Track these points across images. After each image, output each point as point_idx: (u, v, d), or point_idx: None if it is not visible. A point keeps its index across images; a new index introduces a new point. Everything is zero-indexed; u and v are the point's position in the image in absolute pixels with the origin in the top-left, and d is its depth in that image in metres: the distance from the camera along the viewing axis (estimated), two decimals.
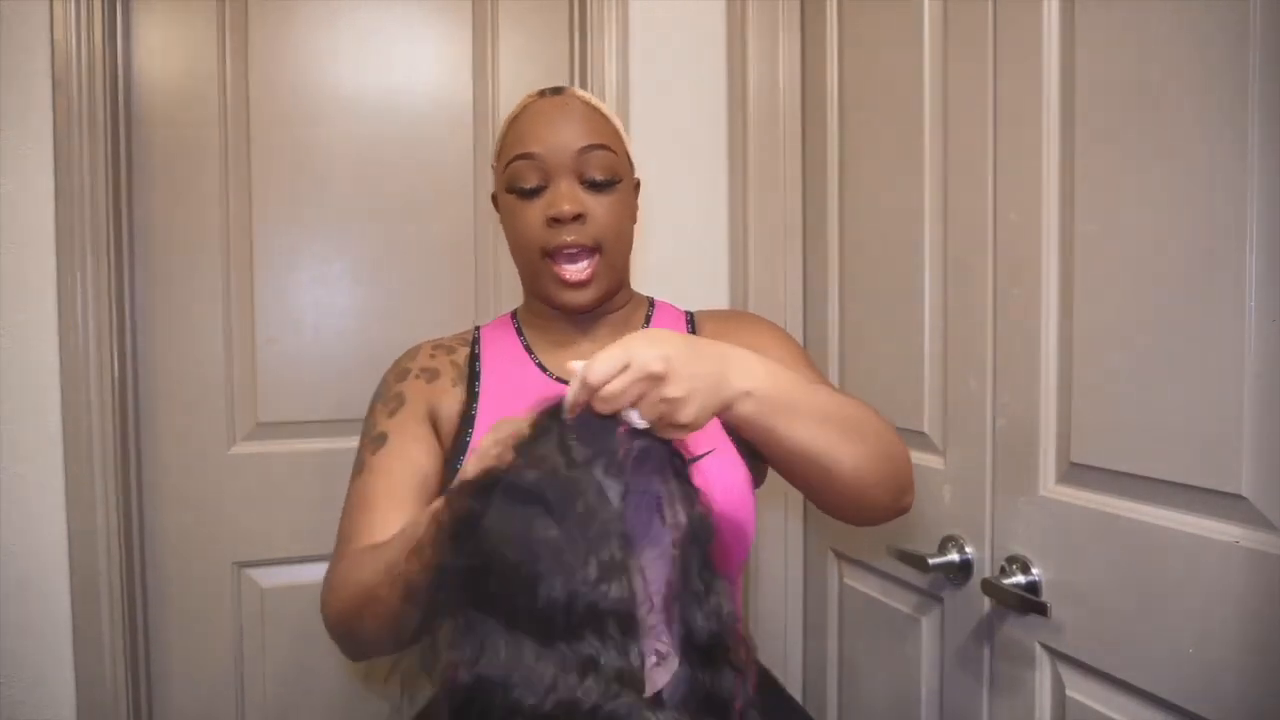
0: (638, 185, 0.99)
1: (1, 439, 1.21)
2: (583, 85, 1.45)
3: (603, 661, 0.58)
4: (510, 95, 1.46)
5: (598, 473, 0.61)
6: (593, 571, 0.58)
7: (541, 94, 0.93)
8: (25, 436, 1.22)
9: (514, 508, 0.59)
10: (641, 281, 1.47)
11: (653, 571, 0.64)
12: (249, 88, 1.36)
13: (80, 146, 1.21)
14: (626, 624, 0.59)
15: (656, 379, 0.63)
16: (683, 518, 0.65)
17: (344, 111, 1.40)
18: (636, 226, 0.97)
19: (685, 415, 0.65)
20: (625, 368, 0.62)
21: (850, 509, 0.81)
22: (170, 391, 1.35)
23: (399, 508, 0.85)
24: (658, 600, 0.63)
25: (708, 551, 0.66)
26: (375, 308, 1.43)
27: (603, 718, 0.57)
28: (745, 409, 0.69)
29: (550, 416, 0.63)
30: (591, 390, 0.63)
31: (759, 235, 1.48)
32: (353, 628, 0.79)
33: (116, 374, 1.26)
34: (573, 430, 0.62)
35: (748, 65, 1.46)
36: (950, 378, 1.12)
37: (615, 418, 0.64)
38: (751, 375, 0.69)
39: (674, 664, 0.64)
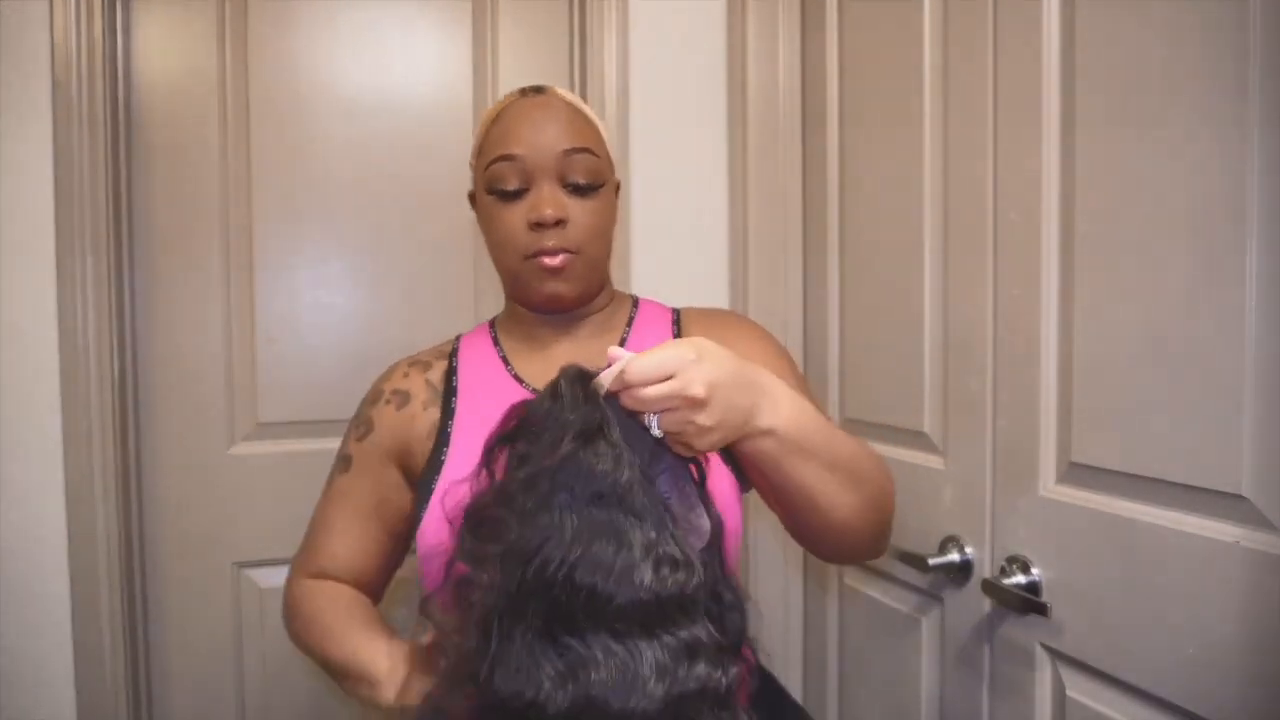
0: (618, 186, 0.97)
1: (1, 439, 1.21)
2: (583, 85, 1.45)
3: (705, 639, 0.58)
4: None
5: (642, 462, 0.62)
6: (669, 553, 0.59)
7: (523, 93, 0.91)
8: (25, 436, 1.22)
9: (590, 509, 0.59)
10: (641, 282, 1.47)
11: None
12: (249, 87, 1.36)
13: (80, 146, 1.22)
14: (702, 600, 0.60)
15: (695, 403, 0.63)
16: (705, 521, 0.65)
17: (344, 111, 1.40)
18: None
19: (703, 444, 0.66)
20: (669, 377, 0.62)
21: (827, 549, 0.83)
22: (170, 391, 1.35)
23: (353, 531, 0.93)
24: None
25: (723, 553, 0.67)
26: (375, 308, 1.43)
27: (720, 698, 0.58)
28: (761, 446, 0.70)
29: (593, 404, 0.62)
30: (626, 386, 0.62)
31: (759, 237, 1.48)
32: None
33: (116, 374, 1.26)
34: (617, 422, 0.62)
35: (748, 66, 1.46)
36: (950, 378, 1.12)
37: (637, 414, 0.64)
38: (778, 413, 0.69)
39: None
